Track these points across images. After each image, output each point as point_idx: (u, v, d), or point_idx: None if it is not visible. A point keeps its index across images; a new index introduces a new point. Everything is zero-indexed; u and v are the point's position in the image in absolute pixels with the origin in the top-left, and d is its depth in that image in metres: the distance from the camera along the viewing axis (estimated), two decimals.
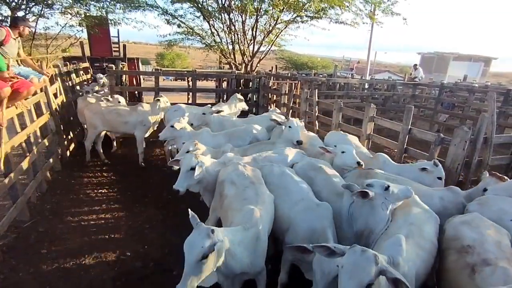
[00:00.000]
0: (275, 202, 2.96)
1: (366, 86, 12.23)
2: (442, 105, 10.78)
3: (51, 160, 5.24)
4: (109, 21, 10.42)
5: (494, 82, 17.64)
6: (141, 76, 12.22)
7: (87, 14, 9.62)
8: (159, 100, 6.22)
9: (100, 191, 5.15)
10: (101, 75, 8.08)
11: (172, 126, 4.59)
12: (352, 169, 3.62)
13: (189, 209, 2.17)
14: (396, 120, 7.48)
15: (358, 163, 3.57)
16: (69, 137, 6.59)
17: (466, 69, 21.91)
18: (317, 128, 6.78)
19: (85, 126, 6.45)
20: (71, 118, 6.77)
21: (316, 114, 6.79)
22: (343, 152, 3.76)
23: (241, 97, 7.12)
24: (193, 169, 3.18)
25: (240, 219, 2.51)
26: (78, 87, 7.78)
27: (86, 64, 9.16)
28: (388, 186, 2.59)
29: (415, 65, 15.63)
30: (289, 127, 4.54)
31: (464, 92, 10.76)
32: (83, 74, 8.41)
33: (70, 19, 9.69)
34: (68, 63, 7.24)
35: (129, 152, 6.72)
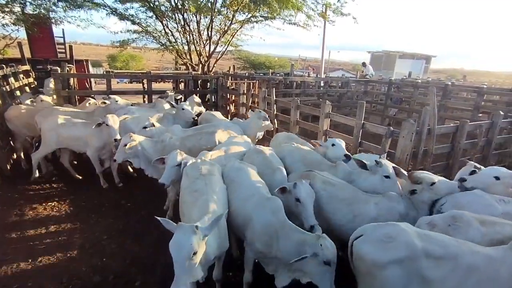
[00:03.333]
0: (229, 197, 3.04)
1: (322, 84, 12.68)
2: (391, 100, 11.54)
3: None
4: (51, 20, 9.59)
5: (434, 78, 19.27)
6: (92, 79, 11.56)
7: (24, 12, 8.77)
8: (105, 102, 5.87)
9: (49, 204, 4.74)
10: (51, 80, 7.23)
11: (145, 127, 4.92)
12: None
13: (156, 217, 2.22)
14: (351, 115, 7.85)
15: (346, 155, 3.79)
16: (10, 147, 5.98)
17: (410, 66, 23.66)
18: (276, 126, 6.89)
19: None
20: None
21: (275, 112, 6.89)
22: (333, 145, 3.96)
23: (199, 100, 6.95)
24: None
25: (197, 212, 2.56)
26: (18, 92, 7.09)
27: (27, 67, 8.37)
28: (296, 184, 2.88)
29: (364, 63, 16.51)
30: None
31: (409, 88, 11.60)
32: (23, 78, 7.68)
33: (3, 17, 8.77)
34: (4, 66, 6.55)
35: (79, 159, 6.27)
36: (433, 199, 2.93)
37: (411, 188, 3.00)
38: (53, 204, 4.76)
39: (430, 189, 2.90)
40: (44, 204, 4.73)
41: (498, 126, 5.64)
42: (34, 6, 8.62)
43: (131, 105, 6.46)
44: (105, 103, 5.93)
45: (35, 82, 8.59)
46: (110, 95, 6.21)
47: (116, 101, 6.04)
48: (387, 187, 3.12)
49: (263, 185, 3.11)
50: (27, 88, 7.71)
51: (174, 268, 2.00)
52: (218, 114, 6.18)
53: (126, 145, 4.08)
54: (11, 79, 6.79)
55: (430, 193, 2.91)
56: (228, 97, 8.93)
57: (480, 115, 8.91)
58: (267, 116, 5.53)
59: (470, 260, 1.98)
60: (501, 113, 5.66)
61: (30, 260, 3.49)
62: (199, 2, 8.46)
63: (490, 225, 2.38)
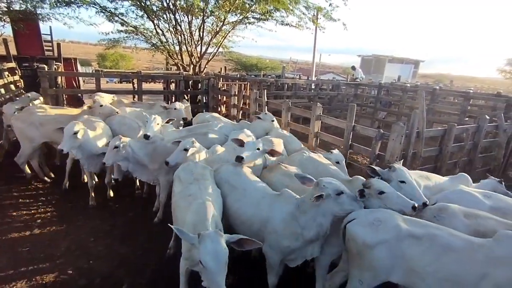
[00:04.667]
0: (235, 205, 2.97)
1: (313, 87, 12.77)
2: (381, 103, 11.70)
3: None
4: (38, 16, 9.37)
5: (422, 82, 19.63)
6: (80, 78, 11.36)
7: (10, 7, 8.54)
8: (90, 107, 5.34)
9: (34, 205, 4.61)
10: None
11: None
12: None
13: (171, 225, 2.20)
14: (341, 118, 7.91)
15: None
16: None
17: (399, 70, 24.04)
18: None
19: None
20: None
21: None
22: (337, 162, 4.01)
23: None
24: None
25: (192, 216, 2.49)
26: (2, 90, 6.89)
27: (12, 64, 8.14)
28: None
29: (353, 66, 16.74)
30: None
31: (398, 91, 11.78)
32: (8, 75, 7.47)
33: None
34: None
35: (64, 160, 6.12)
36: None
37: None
38: (38, 204, 4.64)
39: (379, 198, 2.63)
40: (29, 205, 4.60)
41: (484, 130, 5.78)
42: (21, 1, 8.42)
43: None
44: (90, 107, 5.45)
45: (21, 80, 8.38)
46: (97, 96, 5.66)
47: (101, 105, 5.30)
48: (404, 193, 2.73)
49: (265, 184, 3.11)
50: (12, 86, 7.51)
51: (213, 280, 1.93)
52: (217, 116, 6.15)
53: (115, 147, 3.90)
54: None
55: (379, 202, 2.62)
56: (219, 98, 8.89)
57: (467, 119, 9.10)
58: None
59: (447, 241, 2.17)
60: (487, 117, 5.79)
61: (13, 264, 3.37)
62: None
63: (473, 218, 2.54)
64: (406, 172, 2.94)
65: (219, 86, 9.09)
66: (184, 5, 9.17)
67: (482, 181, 3.75)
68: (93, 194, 4.73)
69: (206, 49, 10.49)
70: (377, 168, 3.11)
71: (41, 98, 6.45)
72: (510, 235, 2.08)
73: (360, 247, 2.36)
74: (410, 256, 2.23)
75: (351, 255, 2.50)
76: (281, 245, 2.67)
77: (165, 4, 9.25)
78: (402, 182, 2.89)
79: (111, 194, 4.95)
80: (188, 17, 9.70)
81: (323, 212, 2.56)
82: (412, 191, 2.83)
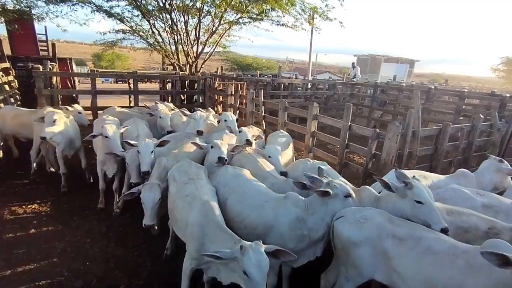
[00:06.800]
0: (236, 208, 2.93)
1: (309, 86, 12.80)
2: (376, 102, 11.74)
3: None
4: (33, 16, 9.30)
5: (418, 82, 19.73)
6: (76, 78, 11.30)
7: (5, 7, 8.46)
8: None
9: (29, 206, 4.57)
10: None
11: None
12: None
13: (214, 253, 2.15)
14: (338, 117, 7.94)
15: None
16: None
17: (395, 70, 24.18)
18: (264, 127, 6.89)
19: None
20: None
21: (263, 114, 6.89)
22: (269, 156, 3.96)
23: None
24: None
25: (197, 216, 2.50)
26: None
27: (6, 64, 8.08)
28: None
29: (353, 63, 16.84)
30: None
31: (394, 91, 11.84)
32: (2, 76, 7.42)
33: None
34: None
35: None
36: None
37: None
38: (33, 206, 4.60)
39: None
40: (23, 206, 4.56)
41: (478, 129, 5.82)
42: (15, 1, 8.35)
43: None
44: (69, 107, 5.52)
45: (16, 80, 8.31)
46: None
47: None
48: (420, 215, 2.47)
49: (266, 187, 3.07)
50: (6, 86, 7.45)
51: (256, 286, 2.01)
52: None
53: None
54: None
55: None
56: (216, 98, 8.88)
57: (461, 118, 9.17)
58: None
59: (430, 244, 2.17)
60: (481, 116, 5.84)
61: (8, 266, 3.35)
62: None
63: (457, 215, 2.58)
64: (424, 191, 2.54)
65: (216, 86, 9.09)
66: (181, 5, 9.15)
67: (483, 162, 3.80)
68: (103, 197, 4.70)
69: (203, 49, 10.48)
70: (390, 182, 2.65)
71: None
72: (497, 244, 1.99)
73: (345, 244, 2.41)
74: (392, 255, 2.24)
75: (338, 252, 2.55)
76: (286, 248, 2.62)
77: (161, 4, 9.23)
78: (419, 202, 2.51)
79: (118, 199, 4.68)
80: (184, 17, 9.69)
81: (331, 212, 2.58)
82: (429, 213, 2.45)
